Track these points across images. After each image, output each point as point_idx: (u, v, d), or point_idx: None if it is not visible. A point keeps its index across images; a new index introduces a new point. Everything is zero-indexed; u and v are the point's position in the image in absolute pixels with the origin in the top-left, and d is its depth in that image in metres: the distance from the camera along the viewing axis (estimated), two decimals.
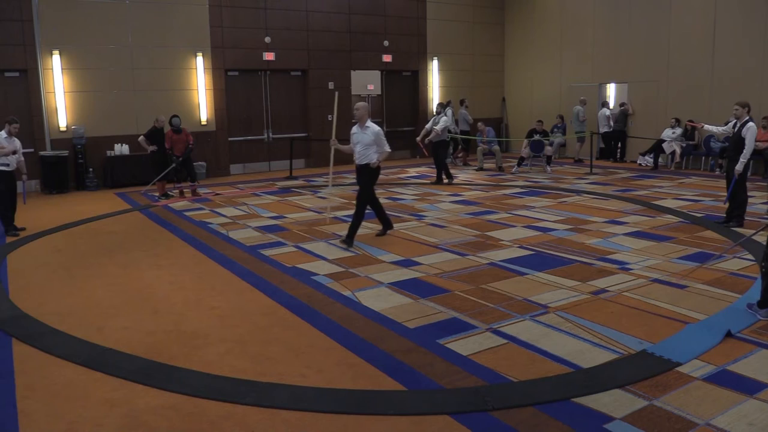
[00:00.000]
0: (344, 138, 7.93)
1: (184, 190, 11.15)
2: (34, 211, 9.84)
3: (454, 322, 4.65)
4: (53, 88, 12.08)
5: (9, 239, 7.89)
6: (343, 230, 7.95)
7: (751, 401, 3.38)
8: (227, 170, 14.20)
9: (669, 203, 9.42)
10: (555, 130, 15.50)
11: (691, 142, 13.47)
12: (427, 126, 12.27)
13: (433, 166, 12.48)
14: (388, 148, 7.32)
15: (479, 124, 15.09)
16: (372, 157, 7.14)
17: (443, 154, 12.21)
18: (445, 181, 12.03)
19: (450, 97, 16.51)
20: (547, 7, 16.69)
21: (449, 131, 12.82)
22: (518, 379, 3.71)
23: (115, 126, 12.63)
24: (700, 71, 13.38)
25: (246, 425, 3.28)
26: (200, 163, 13.27)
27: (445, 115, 12.12)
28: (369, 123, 7.20)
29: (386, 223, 7.62)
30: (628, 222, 8.09)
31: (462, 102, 15.47)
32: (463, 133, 14.99)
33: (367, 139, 7.11)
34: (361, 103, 7.22)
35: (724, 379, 3.65)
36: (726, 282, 5.47)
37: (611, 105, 16.26)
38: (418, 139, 12.68)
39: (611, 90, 17.08)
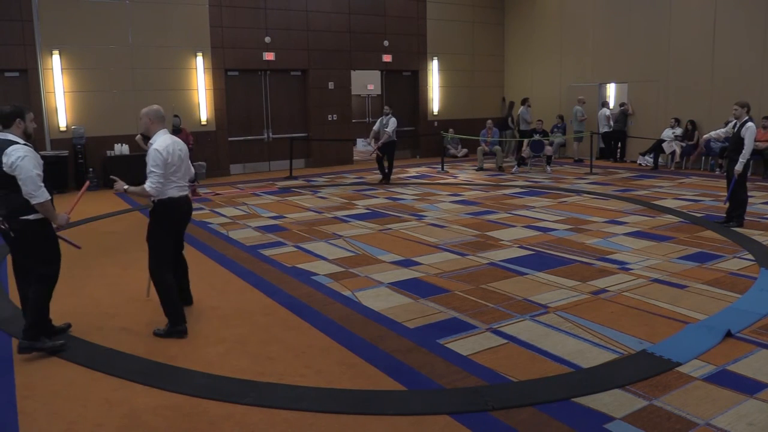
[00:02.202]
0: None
1: None
2: None
3: (454, 322, 4.65)
4: (53, 88, 12.08)
5: None
6: (344, 230, 7.96)
7: (751, 401, 3.38)
8: (227, 170, 14.20)
9: (669, 203, 9.42)
10: (555, 130, 15.50)
11: (690, 143, 13.46)
12: (375, 128, 12.23)
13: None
14: (148, 185, 4.37)
15: (488, 122, 15.09)
16: (164, 192, 4.47)
17: (392, 154, 12.31)
18: (383, 180, 12.29)
19: (512, 97, 16.70)
20: (547, 7, 16.68)
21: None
22: (518, 379, 3.71)
23: (115, 126, 12.63)
24: (700, 71, 13.38)
25: (246, 425, 3.28)
26: (200, 163, 13.27)
27: (392, 116, 12.22)
28: (157, 136, 4.50)
29: (176, 319, 4.52)
30: (628, 222, 8.09)
31: (524, 101, 15.38)
32: (522, 132, 14.83)
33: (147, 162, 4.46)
34: (145, 109, 4.58)
35: (724, 379, 3.65)
36: (726, 282, 5.47)
37: (611, 105, 16.26)
38: (375, 145, 12.27)
39: (611, 90, 17.09)
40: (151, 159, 4.40)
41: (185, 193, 4.68)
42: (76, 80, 12.28)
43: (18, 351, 4.20)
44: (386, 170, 12.32)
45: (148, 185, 4.39)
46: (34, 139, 4.46)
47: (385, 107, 12.75)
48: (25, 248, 4.22)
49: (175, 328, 4.48)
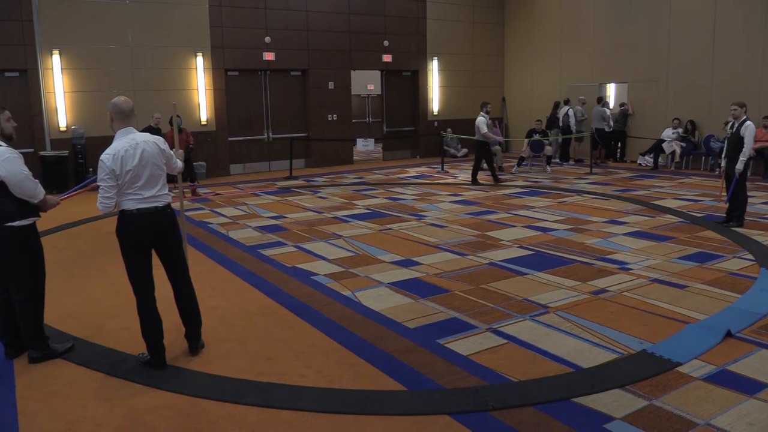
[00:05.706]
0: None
1: (184, 190, 11.16)
2: None
3: (454, 322, 4.65)
4: (53, 88, 12.08)
5: None
6: (344, 230, 7.96)
7: (751, 401, 3.38)
8: (227, 170, 14.20)
9: (669, 203, 9.42)
10: (555, 130, 15.48)
11: (690, 138, 13.44)
12: (486, 131, 11.74)
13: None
14: (97, 201, 3.91)
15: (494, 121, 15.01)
16: (120, 204, 3.95)
17: (480, 154, 11.98)
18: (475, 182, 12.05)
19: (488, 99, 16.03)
20: (547, 7, 16.68)
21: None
22: (518, 379, 3.71)
23: None
24: (700, 71, 13.37)
25: (246, 425, 3.28)
26: (200, 163, 13.28)
27: (480, 115, 11.79)
28: (115, 137, 3.97)
29: (153, 352, 4.04)
30: (628, 222, 8.09)
31: (599, 100, 15.02)
32: (599, 131, 14.66)
33: None
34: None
35: (724, 379, 3.65)
36: (726, 282, 5.47)
37: (611, 105, 16.22)
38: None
39: (611, 90, 17.09)
40: (98, 169, 3.85)
41: (150, 205, 3.90)
42: (76, 80, 12.28)
43: (29, 362, 4.11)
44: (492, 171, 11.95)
45: (97, 201, 3.89)
46: (15, 141, 4.20)
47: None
48: (6, 257, 3.93)
49: (152, 360, 4.01)
